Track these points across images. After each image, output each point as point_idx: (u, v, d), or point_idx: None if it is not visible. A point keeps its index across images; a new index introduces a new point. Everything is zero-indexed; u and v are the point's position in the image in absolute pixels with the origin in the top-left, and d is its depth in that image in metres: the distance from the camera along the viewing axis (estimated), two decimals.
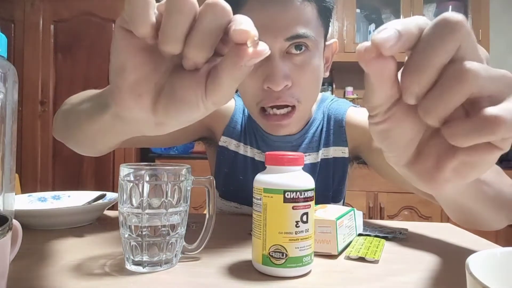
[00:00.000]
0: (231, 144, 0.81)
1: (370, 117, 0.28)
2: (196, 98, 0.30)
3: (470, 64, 0.23)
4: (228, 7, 0.27)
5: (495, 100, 0.24)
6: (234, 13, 0.33)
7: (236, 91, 0.73)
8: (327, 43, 0.71)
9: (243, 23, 0.27)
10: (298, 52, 0.62)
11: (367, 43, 0.25)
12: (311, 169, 0.77)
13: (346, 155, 0.79)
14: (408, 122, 0.27)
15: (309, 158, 0.78)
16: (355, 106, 0.81)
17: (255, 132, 0.80)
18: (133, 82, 0.30)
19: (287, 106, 0.64)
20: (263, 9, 0.60)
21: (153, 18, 0.27)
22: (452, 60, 0.23)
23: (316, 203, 0.55)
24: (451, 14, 0.23)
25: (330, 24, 0.70)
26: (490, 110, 0.23)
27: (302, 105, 0.65)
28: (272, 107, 0.64)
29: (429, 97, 0.24)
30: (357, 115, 0.77)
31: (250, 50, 0.27)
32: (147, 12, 0.27)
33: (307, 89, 0.64)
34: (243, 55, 0.27)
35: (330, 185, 0.79)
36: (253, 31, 0.27)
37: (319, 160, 0.78)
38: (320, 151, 0.79)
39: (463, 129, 0.24)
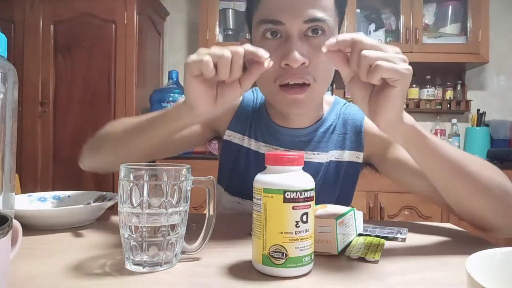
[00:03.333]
0: (235, 137, 0.82)
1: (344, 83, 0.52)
2: (237, 91, 0.56)
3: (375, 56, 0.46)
4: (242, 52, 0.52)
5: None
6: None
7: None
8: None
9: (260, 50, 0.53)
10: (315, 35, 0.65)
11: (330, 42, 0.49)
12: (315, 168, 0.77)
13: (360, 161, 0.79)
14: (358, 87, 0.51)
15: (317, 157, 0.78)
16: None
17: (263, 125, 0.81)
18: (204, 99, 0.56)
19: (303, 84, 0.66)
20: None
21: (214, 72, 0.52)
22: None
23: (318, 204, 0.55)
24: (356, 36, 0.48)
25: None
26: (377, 63, 0.45)
27: (317, 84, 0.66)
28: (289, 84, 0.66)
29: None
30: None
31: (266, 63, 0.54)
32: (212, 71, 0.52)
33: (322, 70, 0.66)
34: (260, 66, 0.54)
35: (337, 187, 0.79)
36: (266, 55, 0.54)
37: (327, 161, 0.79)
38: (331, 152, 0.79)
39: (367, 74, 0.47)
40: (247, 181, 0.80)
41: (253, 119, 0.82)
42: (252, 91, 0.87)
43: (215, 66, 0.52)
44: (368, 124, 0.78)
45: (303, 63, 0.63)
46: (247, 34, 0.76)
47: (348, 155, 0.79)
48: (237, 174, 0.83)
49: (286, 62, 0.63)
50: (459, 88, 2.62)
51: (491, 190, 0.55)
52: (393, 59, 0.46)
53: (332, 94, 2.57)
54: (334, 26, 0.67)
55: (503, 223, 0.57)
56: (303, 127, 0.77)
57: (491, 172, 0.58)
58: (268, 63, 0.53)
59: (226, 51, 0.51)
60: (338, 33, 0.71)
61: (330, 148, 0.79)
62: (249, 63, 0.55)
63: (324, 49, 0.49)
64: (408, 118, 0.53)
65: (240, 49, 0.52)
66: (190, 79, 0.54)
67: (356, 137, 0.79)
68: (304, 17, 0.63)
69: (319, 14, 0.63)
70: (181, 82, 2.48)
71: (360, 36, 0.47)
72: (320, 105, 0.79)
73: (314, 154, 0.78)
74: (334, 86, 2.68)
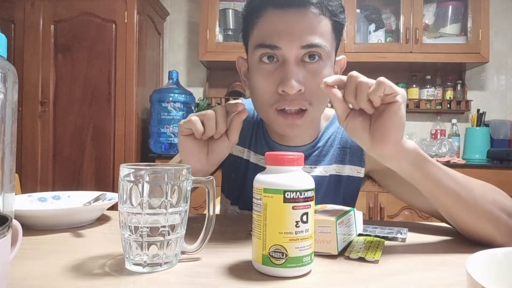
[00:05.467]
0: (236, 149, 0.82)
1: (340, 124, 0.56)
2: (226, 143, 0.64)
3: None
4: (223, 108, 0.62)
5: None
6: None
7: (242, 94, 0.92)
8: (336, 58, 0.73)
9: (239, 106, 0.62)
10: (312, 61, 0.65)
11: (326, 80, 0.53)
12: (318, 181, 0.77)
13: (361, 176, 0.79)
14: (356, 121, 0.54)
15: (314, 171, 0.78)
16: None
17: (262, 140, 0.81)
18: (196, 156, 0.63)
19: (300, 109, 0.66)
20: (281, 18, 0.63)
21: (202, 129, 0.60)
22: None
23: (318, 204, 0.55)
24: (352, 75, 0.51)
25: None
26: (379, 79, 0.50)
27: (313, 108, 0.67)
28: (286, 110, 0.66)
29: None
30: None
31: (240, 108, 0.62)
32: (200, 128, 0.60)
33: (319, 95, 0.66)
34: (240, 115, 0.62)
35: (338, 201, 0.79)
36: (239, 104, 0.62)
37: (327, 175, 0.79)
38: (331, 166, 0.79)
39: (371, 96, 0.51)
40: (245, 192, 0.81)
41: (253, 132, 0.83)
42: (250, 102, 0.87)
43: (203, 124, 0.60)
44: None
45: (299, 90, 0.63)
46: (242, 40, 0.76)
47: (348, 170, 0.79)
48: (235, 185, 0.83)
49: (283, 89, 0.63)
50: (459, 88, 2.62)
51: (494, 214, 0.55)
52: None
53: None
54: (331, 51, 0.67)
55: (507, 242, 0.56)
56: (300, 145, 0.77)
57: (495, 196, 0.57)
58: (242, 109, 0.62)
59: (210, 110, 0.61)
60: (335, 56, 0.72)
61: (329, 162, 0.79)
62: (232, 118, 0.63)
63: (322, 86, 0.52)
64: (409, 142, 0.54)
65: (221, 106, 0.62)
66: (182, 138, 0.62)
67: (357, 152, 0.78)
68: (301, 42, 0.63)
69: (316, 40, 0.63)
70: (181, 83, 2.48)
71: (354, 72, 0.51)
72: (317, 123, 0.78)
73: (311, 168, 0.78)
74: None
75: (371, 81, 0.50)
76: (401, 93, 0.51)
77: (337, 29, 0.68)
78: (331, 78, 0.52)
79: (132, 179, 0.43)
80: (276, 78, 0.64)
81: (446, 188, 0.55)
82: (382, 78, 0.49)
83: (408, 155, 0.54)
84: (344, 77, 0.52)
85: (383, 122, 0.52)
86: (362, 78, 0.51)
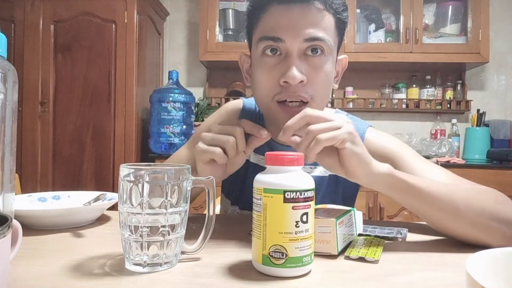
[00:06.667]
0: None
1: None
2: (243, 157, 0.62)
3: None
4: (242, 131, 0.60)
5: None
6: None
7: (242, 94, 0.86)
8: (338, 57, 0.73)
9: (261, 129, 0.61)
10: (315, 54, 0.65)
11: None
12: (318, 181, 0.77)
13: None
14: (325, 158, 0.55)
15: (315, 171, 0.78)
16: (372, 126, 0.80)
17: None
18: (216, 174, 0.61)
19: (301, 101, 0.66)
20: (285, 12, 0.64)
21: (226, 159, 0.59)
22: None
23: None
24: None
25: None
26: (317, 138, 0.51)
27: (314, 102, 0.66)
28: (287, 102, 0.66)
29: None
30: (376, 139, 0.76)
31: (266, 137, 0.61)
32: (224, 159, 0.59)
33: (320, 89, 0.66)
34: (261, 139, 0.61)
35: (338, 201, 0.79)
36: (263, 132, 0.61)
37: (327, 175, 0.78)
38: None
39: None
40: (245, 193, 0.81)
41: None
42: (250, 100, 0.87)
43: (224, 150, 0.59)
44: (369, 138, 0.77)
45: (301, 81, 0.63)
46: (245, 39, 0.76)
47: None
48: (235, 185, 0.83)
49: (285, 79, 0.63)
50: (459, 88, 2.62)
51: (482, 224, 0.55)
52: (334, 127, 0.52)
53: (332, 94, 2.57)
54: (333, 47, 0.67)
55: (503, 246, 0.56)
56: None
57: (483, 205, 0.57)
58: (266, 135, 0.61)
59: (230, 138, 0.59)
60: (337, 55, 0.71)
61: None
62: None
63: (282, 138, 0.55)
64: (384, 167, 0.55)
65: (240, 129, 0.60)
66: (203, 167, 0.61)
67: None
68: (305, 35, 0.63)
69: (319, 33, 0.63)
70: (181, 83, 2.48)
71: (307, 110, 0.54)
72: None
73: (311, 168, 0.78)
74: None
75: (317, 128, 0.51)
76: (343, 134, 0.51)
77: (340, 26, 0.68)
78: (287, 129, 0.55)
79: (132, 179, 0.43)
80: (279, 71, 0.64)
81: (427, 205, 0.57)
82: (321, 136, 0.51)
83: (382, 180, 0.55)
84: (299, 116, 0.54)
85: (344, 163, 0.54)
86: (311, 125, 0.52)
